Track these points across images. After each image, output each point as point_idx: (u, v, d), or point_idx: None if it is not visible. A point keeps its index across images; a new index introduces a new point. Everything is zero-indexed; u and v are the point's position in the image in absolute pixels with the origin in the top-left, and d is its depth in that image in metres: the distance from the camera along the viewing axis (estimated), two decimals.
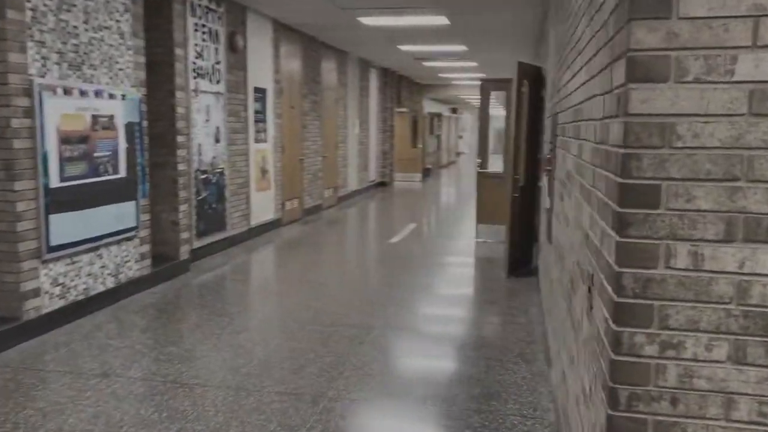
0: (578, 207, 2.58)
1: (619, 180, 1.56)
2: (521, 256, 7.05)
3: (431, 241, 9.08)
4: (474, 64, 14.88)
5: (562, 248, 3.41)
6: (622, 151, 1.54)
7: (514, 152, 6.67)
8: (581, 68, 2.69)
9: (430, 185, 18.47)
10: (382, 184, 16.98)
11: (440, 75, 17.98)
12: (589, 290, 2.03)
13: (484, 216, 8.96)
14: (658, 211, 1.53)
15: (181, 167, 6.69)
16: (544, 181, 6.28)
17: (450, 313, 5.49)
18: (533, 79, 7.00)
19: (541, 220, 6.28)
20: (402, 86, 18.77)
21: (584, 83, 2.53)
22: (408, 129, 18.94)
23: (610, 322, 1.61)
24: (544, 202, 6.05)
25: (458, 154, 36.14)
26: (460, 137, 37.15)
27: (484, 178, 8.88)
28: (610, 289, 1.63)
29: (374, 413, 3.58)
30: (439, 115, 24.01)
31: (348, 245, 8.78)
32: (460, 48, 12.07)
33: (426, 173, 20.55)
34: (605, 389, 1.64)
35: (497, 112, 42.19)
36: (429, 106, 23.51)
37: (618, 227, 1.56)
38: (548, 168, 4.57)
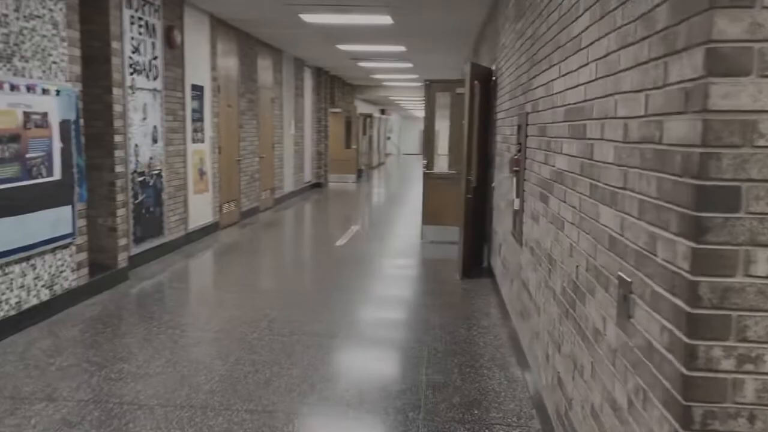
0: (587, 209, 2.48)
1: (695, 182, 1.44)
2: (473, 258, 7.00)
3: (378, 243, 8.92)
4: (409, 65, 14.84)
5: (548, 251, 3.32)
6: (699, 150, 1.43)
7: (467, 153, 6.60)
8: (584, 66, 2.59)
9: (364, 186, 18.33)
10: (317, 186, 16.70)
11: (373, 76, 17.88)
12: (625, 298, 1.92)
13: (430, 217, 8.88)
14: (738, 215, 1.42)
15: (118, 169, 6.25)
16: (498, 181, 6.25)
17: (413, 317, 5.34)
18: (484, 80, 6.97)
19: (497, 220, 6.24)
20: (335, 86, 18.55)
21: (593, 80, 2.43)
22: (342, 129, 18.74)
23: (680, 335, 1.49)
24: (500, 202, 6.01)
25: (387, 155, 36.20)
26: (389, 138, 37.22)
27: (430, 179, 8.80)
28: (679, 299, 1.51)
29: (356, 428, 3.39)
30: (370, 116, 23.92)
31: (294, 249, 8.51)
32: (399, 49, 11.98)
33: (359, 174, 20.39)
34: (674, 406, 1.52)
35: (422, 113, 42.58)
36: (360, 107, 23.37)
37: (694, 233, 1.44)
38: (516, 168, 4.50)
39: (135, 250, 6.86)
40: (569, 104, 2.89)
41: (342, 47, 11.97)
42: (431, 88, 8.76)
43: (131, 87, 6.68)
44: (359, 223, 10.79)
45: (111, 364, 4.18)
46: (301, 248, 8.52)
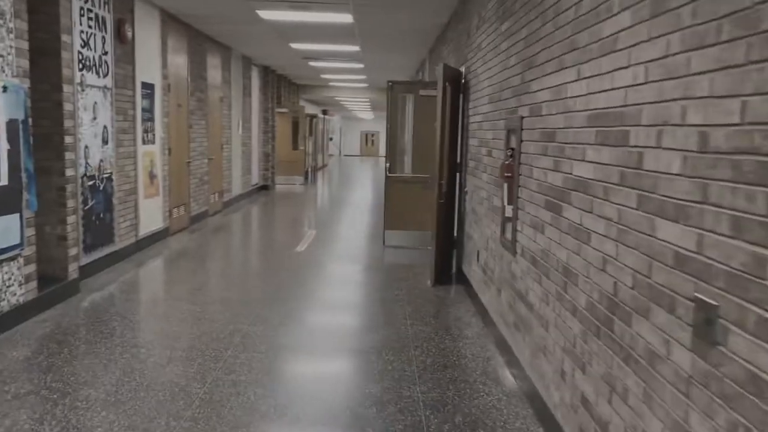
0: (632, 222, 2.32)
1: None
2: (443, 264, 6.83)
3: (339, 248, 8.65)
4: (360, 65, 14.61)
5: (563, 263, 3.16)
6: None
7: (439, 157, 6.43)
8: (623, 68, 2.42)
9: (313, 189, 17.98)
10: (264, 188, 16.24)
11: (322, 76, 17.55)
12: (707, 322, 1.75)
13: (392, 222, 8.67)
14: None
15: (69, 173, 5.77)
16: (473, 186, 6.09)
17: (393, 328, 5.11)
18: (454, 82, 6.81)
19: (471, 226, 6.08)
20: (282, 86, 18.13)
21: (639, 84, 2.26)
22: (289, 130, 18.32)
23: None
24: (476, 207, 5.86)
25: (329, 156, 35.84)
26: (331, 139, 36.86)
27: (393, 183, 8.60)
28: None
29: None
30: (315, 117, 23.54)
31: (253, 256, 8.13)
32: (353, 49, 11.73)
33: (306, 176, 20.00)
34: None
35: (367, 115, 42.43)
36: (305, 107, 22.96)
37: None
38: (507, 174, 4.34)
39: (85, 259, 6.37)
40: (596, 109, 2.73)
41: (295, 46, 11.63)
42: (394, 89, 8.55)
43: (81, 84, 6.20)
44: (316, 227, 10.48)
45: (75, 390, 3.78)
46: (260, 255, 8.16)
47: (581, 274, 2.86)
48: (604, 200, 2.60)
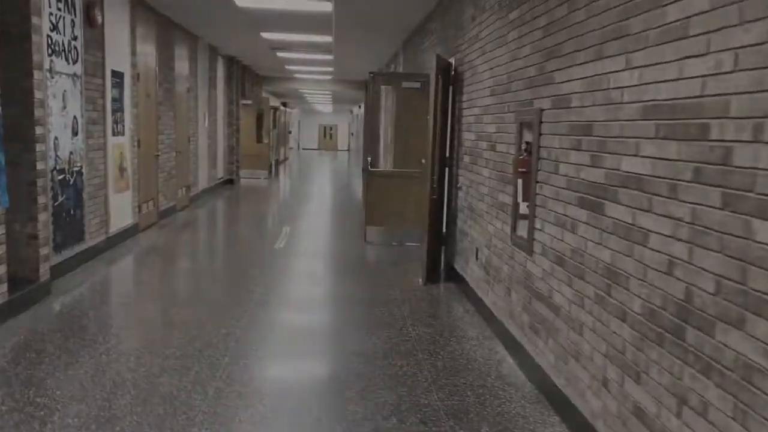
0: (717, 222, 2.14)
1: None
2: (434, 261, 6.63)
3: (319, 245, 8.37)
4: (329, 57, 14.28)
5: (606, 264, 2.98)
6: None
7: (431, 151, 6.21)
8: (699, 56, 2.24)
9: (278, 183, 17.58)
10: (229, 182, 15.77)
11: (288, 67, 17.14)
12: None
13: (374, 218, 8.42)
14: None
15: (39, 166, 5.35)
16: (469, 182, 5.90)
17: (395, 331, 4.87)
18: (444, 73, 6.59)
19: (468, 223, 5.89)
20: (246, 77, 17.65)
21: (723, 73, 2.08)
22: (253, 123, 17.86)
23: None
24: (476, 204, 5.67)
25: (289, 149, 35.30)
26: (290, 132, 36.30)
27: (375, 178, 8.35)
28: None
29: None
30: (277, 109, 23.07)
31: (231, 254, 7.78)
32: (326, 39, 11.41)
33: (270, 170, 19.55)
34: None
35: (326, 107, 41.95)
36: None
37: None
38: (522, 170, 4.15)
39: (55, 259, 5.93)
40: (655, 100, 2.54)
41: (266, 35, 11.25)
42: (376, 81, 8.29)
43: (50, 70, 5.75)
44: (290, 223, 10.15)
45: (63, 406, 3.43)
46: (238, 253, 7.81)
47: (634, 276, 2.68)
48: (670, 198, 2.42)
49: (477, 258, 5.51)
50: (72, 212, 6.35)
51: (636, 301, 2.67)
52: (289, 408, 3.52)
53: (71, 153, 6.27)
